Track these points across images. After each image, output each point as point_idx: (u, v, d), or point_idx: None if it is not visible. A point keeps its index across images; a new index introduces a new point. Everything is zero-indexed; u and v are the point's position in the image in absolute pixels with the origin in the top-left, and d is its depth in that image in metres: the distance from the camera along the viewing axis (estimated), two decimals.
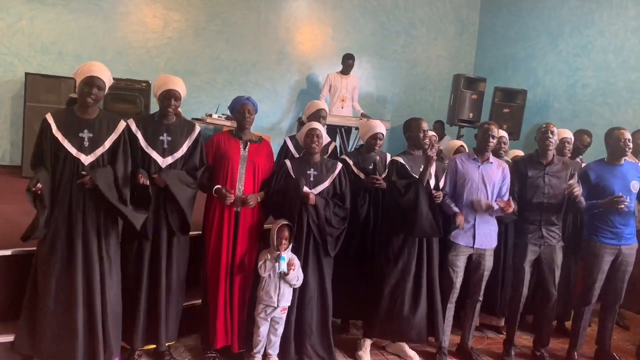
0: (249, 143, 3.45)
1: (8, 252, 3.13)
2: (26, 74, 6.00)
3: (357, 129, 6.67)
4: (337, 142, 6.78)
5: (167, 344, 3.34)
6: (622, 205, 3.57)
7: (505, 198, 3.73)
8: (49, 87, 6.01)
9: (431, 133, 4.01)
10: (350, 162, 3.92)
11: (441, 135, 7.56)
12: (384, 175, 3.83)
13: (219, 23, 7.31)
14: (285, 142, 4.16)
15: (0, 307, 3.11)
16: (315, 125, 3.61)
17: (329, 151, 4.16)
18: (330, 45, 7.98)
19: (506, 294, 4.20)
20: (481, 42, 8.66)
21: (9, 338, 2.97)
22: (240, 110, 3.42)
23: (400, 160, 3.68)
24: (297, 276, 3.38)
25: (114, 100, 6.01)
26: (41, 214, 2.78)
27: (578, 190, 3.67)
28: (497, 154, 4.41)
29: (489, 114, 6.74)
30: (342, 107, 7.25)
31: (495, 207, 3.64)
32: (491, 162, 3.77)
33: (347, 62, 7.16)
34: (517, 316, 3.91)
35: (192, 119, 6.79)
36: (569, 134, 4.49)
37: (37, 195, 2.76)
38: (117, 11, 6.86)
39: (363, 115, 6.87)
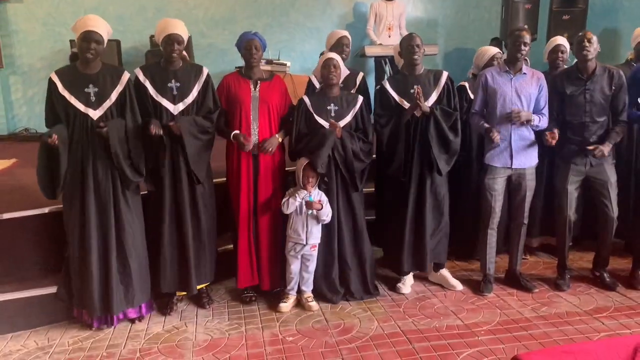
0: (259, 82, 3.35)
1: (45, 210, 3.30)
2: (71, 41, 6.20)
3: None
4: (387, 73, 6.51)
5: (203, 286, 3.45)
6: None
7: (545, 112, 3.41)
8: None
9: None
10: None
11: None
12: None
13: None
14: (310, 79, 3.99)
15: (45, 261, 3.31)
16: (332, 54, 3.45)
17: (357, 83, 3.93)
18: None
19: (544, 214, 3.93)
20: None
21: (52, 290, 3.18)
22: (247, 47, 3.30)
23: (386, 85, 3.50)
24: (327, 212, 3.33)
25: (154, 56, 6.08)
26: (59, 167, 2.88)
27: (600, 152, 3.31)
28: (554, 65, 4.00)
29: (546, 23, 6.12)
30: (390, 36, 6.91)
31: (536, 120, 3.35)
32: (524, 73, 3.42)
33: None
34: (566, 240, 3.63)
35: (236, 67, 6.78)
36: None
37: (52, 147, 2.83)
38: None
39: None
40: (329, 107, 3.41)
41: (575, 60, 3.50)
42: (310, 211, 3.28)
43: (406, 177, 3.47)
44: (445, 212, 3.60)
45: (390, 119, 3.47)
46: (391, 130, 3.46)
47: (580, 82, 3.41)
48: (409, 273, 3.70)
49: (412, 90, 3.36)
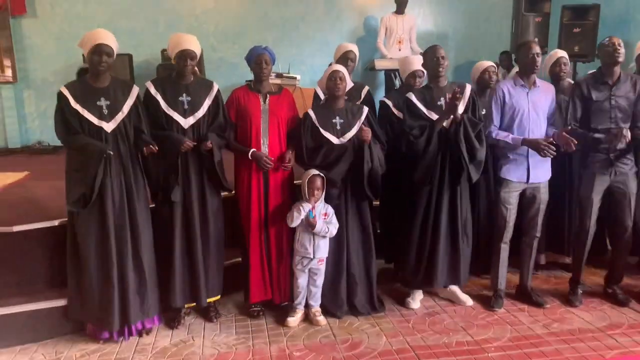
0: (268, 95, 3.37)
1: (55, 223, 3.31)
2: (83, 55, 6.24)
3: None
4: (397, 86, 6.51)
5: (212, 299, 3.44)
6: None
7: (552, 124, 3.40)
8: None
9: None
10: (390, 104, 3.75)
11: (509, 67, 7.01)
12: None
13: None
14: (315, 90, 4.02)
15: (54, 274, 3.32)
16: (338, 67, 3.45)
17: (362, 97, 3.96)
18: None
19: (549, 229, 3.91)
20: None
21: (60, 303, 3.19)
22: (257, 61, 3.31)
23: (412, 98, 3.44)
24: (325, 228, 3.29)
25: (166, 70, 6.14)
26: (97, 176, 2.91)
27: None
28: (557, 78, 3.99)
29: (557, 37, 6.10)
30: (400, 50, 6.93)
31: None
32: (538, 86, 3.42)
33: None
34: (584, 252, 3.58)
35: (246, 81, 6.82)
36: None
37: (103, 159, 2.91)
38: None
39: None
40: (334, 121, 3.40)
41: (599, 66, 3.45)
42: (310, 216, 3.26)
43: (433, 184, 3.43)
44: (469, 226, 3.59)
45: (424, 128, 3.38)
46: (427, 140, 3.37)
47: (606, 87, 3.37)
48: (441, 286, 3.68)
49: (443, 99, 3.37)
